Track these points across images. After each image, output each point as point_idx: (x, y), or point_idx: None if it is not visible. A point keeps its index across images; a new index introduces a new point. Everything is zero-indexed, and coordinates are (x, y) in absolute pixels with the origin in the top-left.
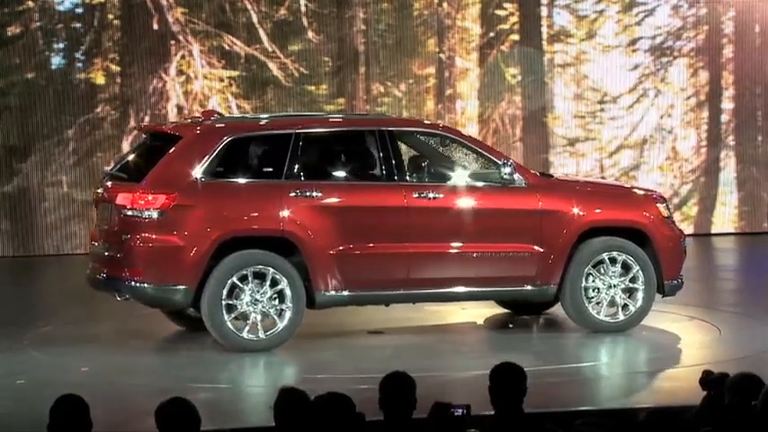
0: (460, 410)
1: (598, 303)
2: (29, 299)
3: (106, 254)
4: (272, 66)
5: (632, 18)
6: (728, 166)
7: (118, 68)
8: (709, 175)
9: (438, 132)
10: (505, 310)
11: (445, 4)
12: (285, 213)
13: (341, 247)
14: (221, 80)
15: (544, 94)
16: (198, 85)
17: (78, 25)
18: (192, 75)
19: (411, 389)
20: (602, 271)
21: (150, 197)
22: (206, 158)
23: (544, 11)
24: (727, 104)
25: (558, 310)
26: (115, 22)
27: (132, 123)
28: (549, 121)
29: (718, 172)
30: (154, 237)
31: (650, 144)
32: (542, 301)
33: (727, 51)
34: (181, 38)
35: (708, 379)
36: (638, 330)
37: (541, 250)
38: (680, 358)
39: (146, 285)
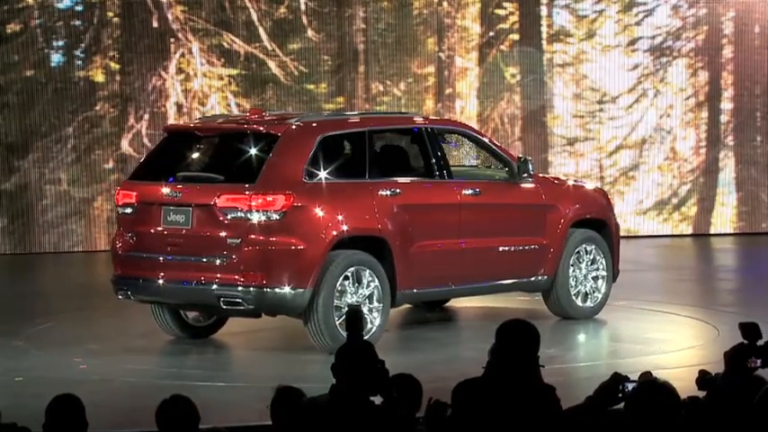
0: None
1: (577, 292)
2: (27, 296)
3: (192, 259)
4: (272, 64)
5: (632, 18)
6: (728, 167)
7: (117, 66)
8: (708, 176)
9: (469, 132)
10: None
11: (445, 4)
12: (379, 213)
13: (416, 245)
14: (221, 78)
15: (543, 94)
16: (197, 84)
17: (78, 23)
18: (192, 73)
19: (418, 391)
20: (578, 261)
21: (263, 199)
22: (307, 158)
23: (544, 10)
24: (727, 105)
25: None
26: (115, 19)
27: (132, 121)
28: (549, 121)
29: (717, 172)
30: (275, 239)
31: (649, 144)
32: (543, 291)
33: (727, 52)
34: (180, 36)
35: (704, 379)
36: (635, 330)
37: (545, 242)
38: (678, 358)
39: (269, 290)
